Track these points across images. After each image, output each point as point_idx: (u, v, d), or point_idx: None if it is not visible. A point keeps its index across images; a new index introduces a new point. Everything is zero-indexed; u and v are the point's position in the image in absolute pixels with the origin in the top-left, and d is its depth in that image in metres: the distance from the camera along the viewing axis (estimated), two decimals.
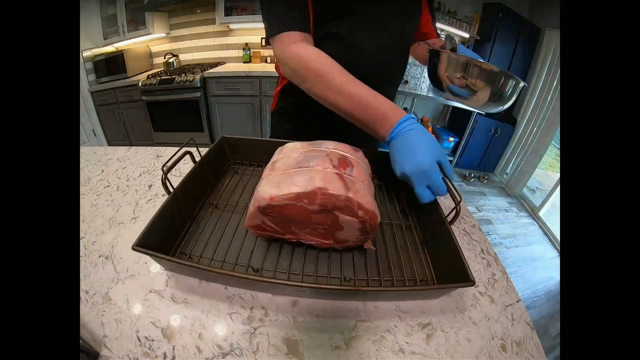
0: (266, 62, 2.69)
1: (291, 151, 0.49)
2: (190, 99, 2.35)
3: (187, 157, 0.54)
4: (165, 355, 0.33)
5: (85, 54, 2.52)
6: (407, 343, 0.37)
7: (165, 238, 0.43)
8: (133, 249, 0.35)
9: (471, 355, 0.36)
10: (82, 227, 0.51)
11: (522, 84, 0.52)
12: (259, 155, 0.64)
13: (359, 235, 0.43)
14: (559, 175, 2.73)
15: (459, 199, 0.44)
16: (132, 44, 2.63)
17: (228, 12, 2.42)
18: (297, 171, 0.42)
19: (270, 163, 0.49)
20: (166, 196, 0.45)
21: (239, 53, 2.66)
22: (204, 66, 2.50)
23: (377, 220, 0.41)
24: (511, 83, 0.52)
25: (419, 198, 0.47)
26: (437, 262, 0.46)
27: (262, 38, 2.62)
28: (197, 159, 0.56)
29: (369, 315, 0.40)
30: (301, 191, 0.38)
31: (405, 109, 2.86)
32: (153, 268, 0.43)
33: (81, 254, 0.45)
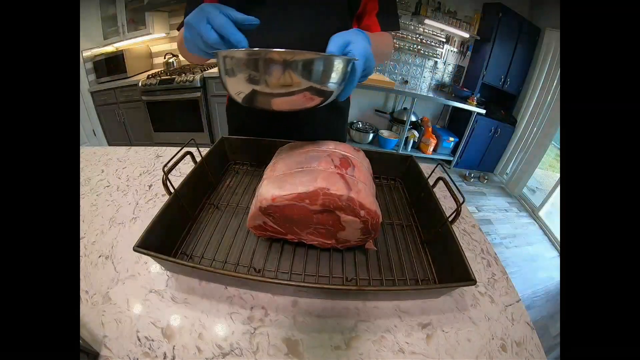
0: None
1: (292, 151, 0.49)
2: (191, 99, 2.34)
3: (188, 157, 0.54)
4: (165, 355, 0.33)
5: (85, 54, 2.52)
6: (407, 343, 0.37)
7: (166, 239, 0.43)
8: (134, 249, 0.35)
9: (471, 355, 0.36)
10: (82, 227, 0.50)
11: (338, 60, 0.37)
12: (259, 156, 0.64)
13: (361, 235, 0.43)
14: (559, 175, 2.73)
15: (461, 201, 0.44)
16: (132, 44, 2.63)
17: None
18: (299, 171, 0.42)
19: (271, 163, 0.49)
20: (166, 196, 0.45)
21: None
22: (204, 66, 2.49)
23: (378, 220, 0.41)
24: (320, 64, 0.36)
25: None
26: (438, 261, 0.46)
27: None
28: (198, 159, 0.56)
29: (369, 315, 0.40)
30: (303, 191, 0.38)
31: (405, 109, 2.87)
32: (153, 268, 0.43)
33: (81, 254, 0.45)
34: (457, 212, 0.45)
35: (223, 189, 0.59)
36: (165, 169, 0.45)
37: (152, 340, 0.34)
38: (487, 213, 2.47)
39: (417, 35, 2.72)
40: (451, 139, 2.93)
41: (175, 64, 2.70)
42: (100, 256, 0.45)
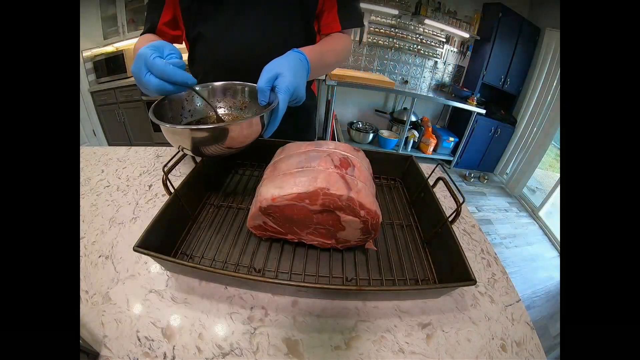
0: None
1: (292, 151, 0.49)
2: None
3: (188, 157, 0.54)
4: (165, 355, 0.33)
5: (85, 54, 2.52)
6: (407, 343, 0.37)
7: (166, 239, 0.43)
8: (134, 249, 0.35)
9: (471, 355, 0.36)
10: (82, 227, 0.50)
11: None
12: (259, 156, 0.64)
13: (361, 235, 0.43)
14: (559, 175, 2.73)
15: (461, 201, 0.44)
16: (132, 44, 2.62)
17: None
18: (299, 171, 0.42)
19: (271, 163, 0.49)
20: (166, 196, 0.45)
21: None
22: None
23: (378, 220, 0.41)
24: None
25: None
26: (438, 261, 0.46)
27: None
28: (198, 159, 0.56)
29: (369, 315, 0.40)
30: (303, 191, 0.38)
31: (405, 109, 2.87)
32: (153, 268, 0.43)
33: (81, 254, 0.45)
34: (457, 212, 0.45)
35: (223, 189, 0.59)
36: (165, 169, 0.45)
37: (152, 340, 0.34)
38: (487, 213, 2.47)
39: (417, 35, 2.72)
40: (451, 139, 2.93)
41: None
42: (100, 256, 0.45)
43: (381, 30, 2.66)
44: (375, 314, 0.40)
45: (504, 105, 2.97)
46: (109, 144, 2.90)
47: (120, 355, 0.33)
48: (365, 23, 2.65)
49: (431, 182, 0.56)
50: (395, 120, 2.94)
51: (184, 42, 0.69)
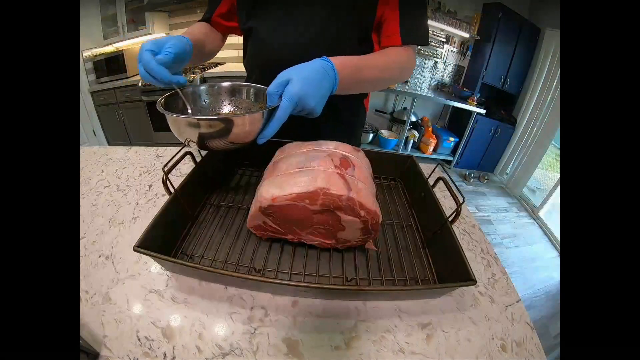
0: None
1: (292, 151, 0.49)
2: None
3: (188, 157, 0.54)
4: (165, 355, 0.33)
5: (85, 54, 2.52)
6: (407, 343, 0.37)
7: (166, 239, 0.43)
8: (134, 250, 0.35)
9: (471, 355, 0.36)
10: (82, 227, 0.50)
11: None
12: (259, 156, 0.64)
13: (361, 235, 0.43)
14: (559, 175, 2.73)
15: (461, 201, 0.44)
16: (132, 44, 2.63)
17: None
18: (299, 171, 0.42)
19: (271, 163, 0.49)
20: (166, 196, 0.45)
21: (239, 53, 2.63)
22: (203, 66, 2.49)
23: (378, 220, 0.41)
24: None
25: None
26: (438, 261, 0.46)
27: None
28: (198, 159, 0.56)
29: (369, 315, 0.40)
30: (303, 191, 0.38)
31: (405, 109, 2.87)
32: (153, 268, 0.43)
33: (81, 254, 0.45)
34: (457, 212, 0.45)
35: (223, 189, 0.59)
36: (165, 169, 0.45)
37: (152, 340, 0.34)
38: (487, 213, 2.47)
39: None
40: (451, 139, 2.92)
41: None
42: (100, 256, 0.45)
43: None
44: (375, 314, 0.40)
45: (504, 105, 2.97)
46: (109, 144, 2.90)
47: (120, 355, 0.33)
48: None
49: (431, 182, 0.56)
50: (395, 120, 2.94)
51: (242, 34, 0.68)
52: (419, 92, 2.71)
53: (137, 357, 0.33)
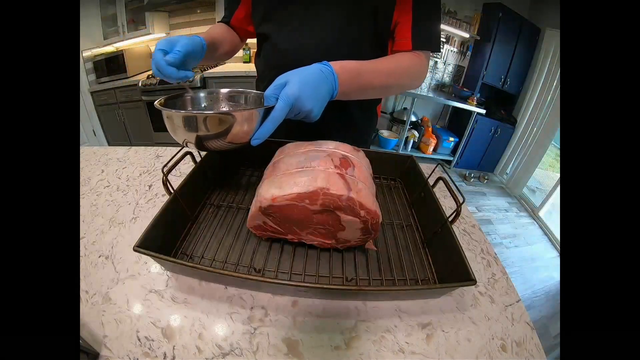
0: None
1: (292, 151, 0.49)
2: None
3: (188, 157, 0.54)
4: (165, 355, 0.33)
5: (85, 54, 2.52)
6: (407, 343, 0.37)
7: (166, 239, 0.43)
8: (134, 249, 0.35)
9: (471, 355, 0.36)
10: (82, 227, 0.50)
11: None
12: (259, 156, 0.64)
13: (361, 235, 0.43)
14: (559, 175, 2.73)
15: (461, 201, 0.44)
16: (132, 44, 2.63)
17: None
18: (299, 171, 0.42)
19: (271, 163, 0.49)
20: (166, 196, 0.45)
21: (239, 53, 2.64)
22: (204, 66, 2.49)
23: (378, 220, 0.41)
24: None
25: None
26: (438, 261, 0.46)
27: None
28: (198, 159, 0.56)
29: (369, 315, 0.40)
30: (303, 191, 0.38)
31: (405, 109, 2.87)
32: (153, 268, 0.43)
33: (81, 254, 0.45)
34: (457, 212, 0.45)
35: (223, 189, 0.59)
36: (165, 169, 0.45)
37: (152, 340, 0.34)
38: (487, 213, 2.47)
39: None
40: (451, 139, 2.93)
41: None
42: (100, 256, 0.45)
43: None
44: (375, 314, 0.40)
45: (504, 105, 2.97)
46: (109, 144, 2.90)
47: (120, 355, 0.33)
48: None
49: (431, 182, 0.56)
50: (395, 120, 2.94)
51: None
52: (419, 92, 2.71)
53: (137, 357, 0.33)
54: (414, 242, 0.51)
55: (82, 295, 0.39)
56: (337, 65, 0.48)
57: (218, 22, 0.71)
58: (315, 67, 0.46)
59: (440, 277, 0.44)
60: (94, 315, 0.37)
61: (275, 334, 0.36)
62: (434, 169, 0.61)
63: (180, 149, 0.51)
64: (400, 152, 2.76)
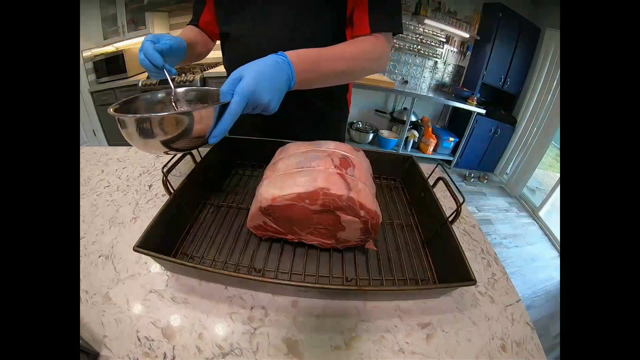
0: None
1: (292, 151, 0.49)
2: None
3: (188, 157, 0.54)
4: (165, 355, 0.33)
5: (85, 54, 2.51)
6: (407, 343, 0.37)
7: (166, 239, 0.43)
8: (134, 249, 0.35)
9: (471, 355, 0.36)
10: (82, 227, 0.50)
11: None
12: (259, 156, 0.64)
13: (361, 235, 0.43)
14: (559, 175, 2.73)
15: (461, 201, 0.44)
16: (132, 44, 2.63)
17: None
18: (299, 171, 0.42)
19: (271, 163, 0.49)
20: (166, 196, 0.45)
21: None
22: (204, 66, 2.49)
23: (378, 220, 0.41)
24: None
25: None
26: (438, 261, 0.46)
27: None
28: (198, 159, 0.56)
29: (369, 315, 0.40)
30: (303, 191, 0.38)
31: (405, 109, 2.87)
32: (153, 268, 0.43)
33: (81, 254, 0.45)
34: (457, 212, 0.45)
35: (223, 189, 0.59)
36: (165, 169, 0.45)
37: (152, 340, 0.34)
38: (487, 213, 2.47)
39: (417, 35, 2.72)
40: (451, 139, 2.92)
41: None
42: (100, 256, 0.45)
43: None
44: (375, 314, 0.40)
45: (504, 105, 2.97)
46: (109, 144, 2.90)
47: (120, 355, 0.33)
48: None
49: (431, 182, 0.56)
50: (395, 120, 2.94)
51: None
52: (419, 92, 2.71)
53: (137, 357, 0.33)
54: (414, 242, 0.51)
55: (82, 295, 0.39)
56: (293, 54, 0.48)
57: (187, 24, 0.71)
58: (270, 58, 0.45)
59: (440, 277, 0.44)
60: (94, 315, 0.37)
61: (275, 334, 0.36)
62: (434, 169, 0.61)
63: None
64: (400, 152, 2.76)
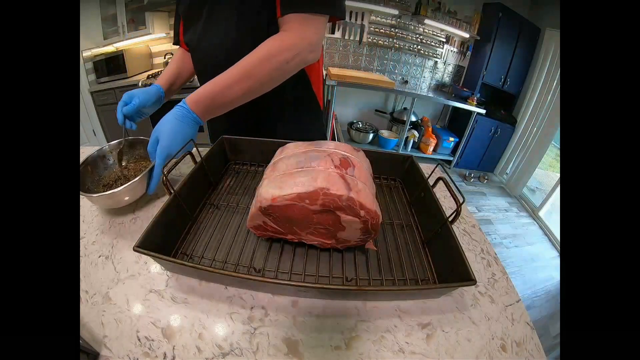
0: None
1: (292, 151, 0.49)
2: None
3: (188, 157, 0.54)
4: (165, 355, 0.33)
5: (85, 54, 2.51)
6: (407, 343, 0.37)
7: (166, 239, 0.43)
8: (134, 249, 0.35)
9: (471, 355, 0.36)
10: (82, 227, 0.51)
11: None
12: (259, 156, 0.64)
13: (361, 235, 0.43)
14: (559, 175, 2.73)
15: (461, 201, 0.44)
16: (132, 44, 2.63)
17: None
18: (299, 171, 0.42)
19: (271, 163, 0.49)
20: (166, 196, 0.45)
21: None
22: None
23: (378, 220, 0.41)
24: None
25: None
26: (438, 261, 0.46)
27: None
28: (198, 159, 0.56)
29: (369, 315, 0.40)
30: (303, 191, 0.38)
31: (405, 109, 2.87)
32: (153, 268, 0.43)
33: (81, 254, 0.45)
34: (457, 212, 0.45)
35: (223, 189, 0.59)
36: (165, 169, 0.45)
37: (152, 340, 0.34)
38: (487, 213, 2.47)
39: (417, 35, 2.72)
40: (451, 139, 2.93)
41: None
42: (100, 256, 0.45)
43: (381, 30, 2.66)
44: (375, 314, 0.40)
45: (504, 105, 2.97)
46: None
47: (120, 355, 0.33)
48: (365, 23, 2.65)
49: (431, 182, 0.56)
50: (395, 120, 2.94)
51: None
52: (419, 92, 2.72)
53: (137, 357, 0.33)
54: (414, 242, 0.51)
55: (82, 295, 0.39)
56: (191, 100, 0.53)
57: (173, 44, 0.80)
58: (174, 113, 0.52)
59: (440, 277, 0.44)
60: (94, 315, 0.37)
61: (275, 334, 0.36)
62: (434, 169, 0.61)
63: (181, 149, 0.51)
64: (400, 152, 2.76)
